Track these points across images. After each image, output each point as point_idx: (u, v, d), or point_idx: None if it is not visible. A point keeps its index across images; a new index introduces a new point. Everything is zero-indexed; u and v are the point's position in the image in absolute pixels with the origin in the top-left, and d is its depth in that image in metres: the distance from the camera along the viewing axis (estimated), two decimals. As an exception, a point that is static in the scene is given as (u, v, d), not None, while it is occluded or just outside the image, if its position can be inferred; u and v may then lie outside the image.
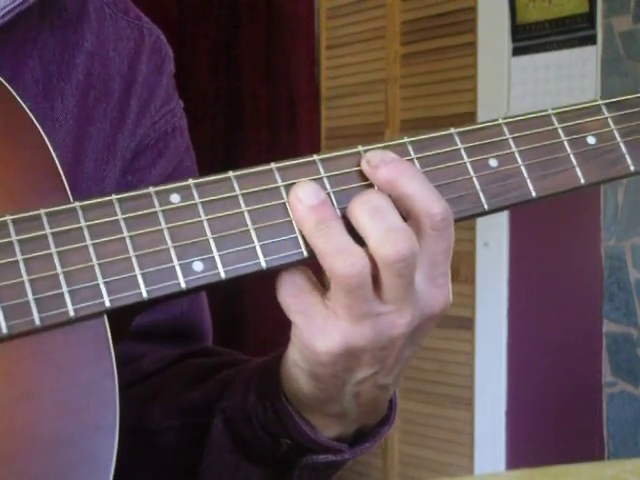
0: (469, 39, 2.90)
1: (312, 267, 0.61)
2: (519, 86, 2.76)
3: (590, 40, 2.58)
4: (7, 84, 0.61)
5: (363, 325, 0.59)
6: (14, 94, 0.61)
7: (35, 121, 0.61)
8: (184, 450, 0.72)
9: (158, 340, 0.81)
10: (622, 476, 0.50)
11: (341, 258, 0.57)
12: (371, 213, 0.59)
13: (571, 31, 2.63)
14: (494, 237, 2.79)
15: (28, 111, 0.61)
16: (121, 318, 0.58)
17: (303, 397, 0.64)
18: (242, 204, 0.60)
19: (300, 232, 0.60)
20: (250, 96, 3.60)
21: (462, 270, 2.88)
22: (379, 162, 0.61)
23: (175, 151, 0.81)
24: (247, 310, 3.54)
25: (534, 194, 0.65)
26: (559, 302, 2.72)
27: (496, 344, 2.82)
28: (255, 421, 0.67)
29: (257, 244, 0.59)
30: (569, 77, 2.64)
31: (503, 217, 2.75)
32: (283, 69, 3.52)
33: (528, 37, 2.73)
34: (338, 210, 0.60)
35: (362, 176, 0.62)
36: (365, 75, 3.26)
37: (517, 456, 2.80)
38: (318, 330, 0.59)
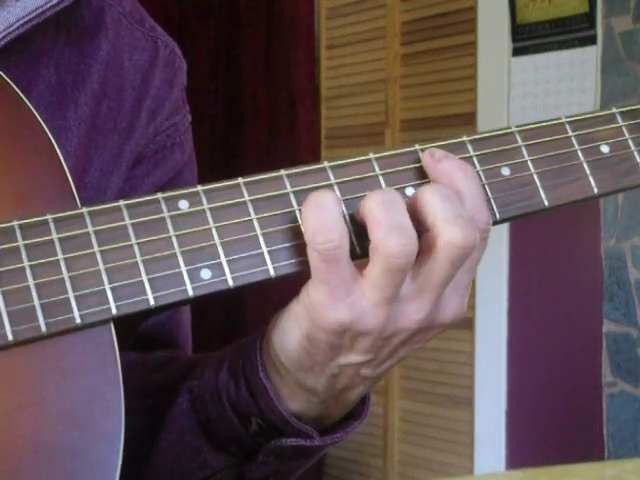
0: (469, 39, 2.90)
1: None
2: (519, 86, 2.76)
3: (590, 40, 2.58)
4: (17, 89, 0.61)
5: (381, 310, 0.59)
6: (25, 100, 0.61)
7: (45, 127, 0.60)
8: (140, 433, 0.71)
9: (130, 348, 0.79)
10: (622, 476, 0.50)
11: (396, 236, 0.57)
12: (443, 198, 0.59)
13: (571, 31, 2.63)
14: (494, 237, 2.78)
15: (37, 116, 0.61)
16: (126, 325, 0.58)
17: (285, 357, 0.63)
18: (251, 211, 0.59)
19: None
20: (250, 96, 3.60)
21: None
22: (442, 156, 0.62)
23: (172, 164, 0.81)
24: (247, 311, 3.54)
25: (546, 203, 0.64)
26: (559, 302, 2.72)
27: (496, 344, 2.82)
28: (225, 399, 0.66)
29: (265, 251, 0.59)
30: (569, 77, 2.64)
31: (503, 217, 2.75)
32: (283, 69, 3.52)
33: (528, 37, 2.73)
34: (347, 215, 0.60)
35: (370, 184, 0.62)
36: (365, 75, 3.25)
37: (517, 456, 2.80)
38: (336, 301, 0.58)
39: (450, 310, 0.62)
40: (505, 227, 2.78)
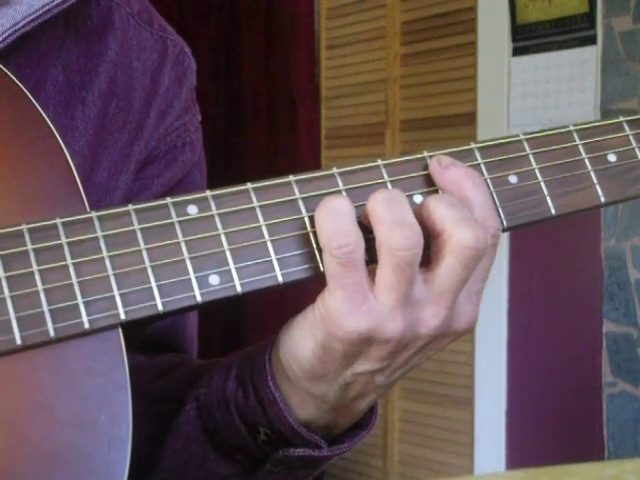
0: (469, 39, 2.90)
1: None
2: (519, 86, 2.76)
3: (590, 40, 2.58)
4: (27, 91, 0.61)
5: (398, 315, 0.59)
6: (33, 101, 0.61)
7: (53, 128, 0.60)
8: (145, 440, 0.69)
9: (136, 350, 0.78)
10: (622, 476, 0.50)
11: (399, 230, 0.57)
12: (449, 205, 0.59)
13: (571, 31, 2.63)
14: (494, 237, 2.78)
15: (46, 118, 0.61)
16: (133, 329, 0.58)
17: (297, 366, 0.62)
18: (260, 217, 0.59)
19: (317, 246, 0.59)
20: (250, 96, 3.60)
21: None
22: (450, 164, 0.62)
23: (182, 164, 0.81)
24: (247, 315, 3.54)
25: (554, 212, 0.65)
26: (559, 302, 2.72)
27: (496, 344, 2.82)
28: (233, 408, 0.66)
29: (274, 257, 0.59)
30: (569, 77, 2.64)
31: (503, 217, 2.75)
32: (283, 69, 3.52)
33: (528, 37, 2.73)
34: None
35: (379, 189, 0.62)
36: (365, 75, 3.25)
37: (517, 456, 2.80)
38: (354, 308, 0.58)
39: (464, 317, 0.62)
40: (505, 227, 2.78)
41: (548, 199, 0.65)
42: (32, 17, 0.68)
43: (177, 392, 0.70)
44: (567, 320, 2.70)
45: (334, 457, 0.67)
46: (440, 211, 0.59)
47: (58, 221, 0.56)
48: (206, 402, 0.68)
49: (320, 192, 0.61)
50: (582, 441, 2.65)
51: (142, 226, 0.57)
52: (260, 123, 3.57)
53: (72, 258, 0.55)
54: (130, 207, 0.58)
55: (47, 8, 0.68)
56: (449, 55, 2.97)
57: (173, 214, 0.58)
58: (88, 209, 0.58)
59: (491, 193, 0.64)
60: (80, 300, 0.55)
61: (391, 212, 0.58)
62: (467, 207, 0.60)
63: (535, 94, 2.72)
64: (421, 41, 3.06)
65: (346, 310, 0.58)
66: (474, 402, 2.89)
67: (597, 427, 2.57)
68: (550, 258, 2.75)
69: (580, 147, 0.67)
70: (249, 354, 0.67)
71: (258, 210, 0.59)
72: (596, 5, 2.55)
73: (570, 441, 2.67)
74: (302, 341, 0.61)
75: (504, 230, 0.64)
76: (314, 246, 0.59)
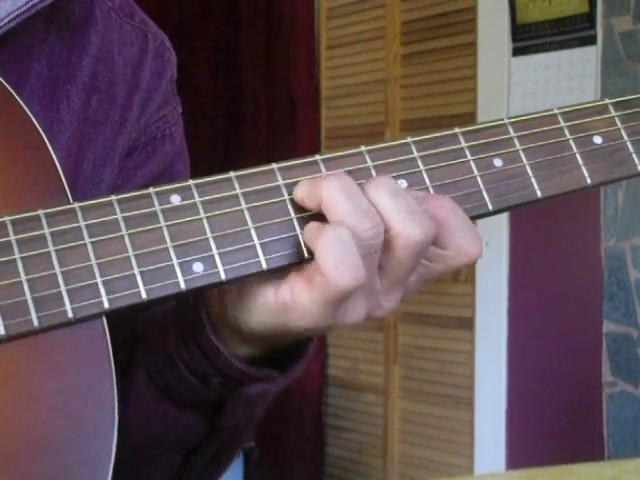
0: (469, 39, 2.90)
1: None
2: (519, 86, 2.76)
3: (590, 40, 2.58)
4: (7, 85, 0.61)
5: (361, 304, 0.60)
6: (15, 95, 0.61)
7: (35, 122, 0.61)
8: None
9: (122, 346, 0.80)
10: (622, 476, 0.50)
11: (367, 220, 0.58)
12: (392, 194, 0.59)
13: (571, 31, 2.63)
14: (494, 237, 2.79)
15: (28, 112, 0.61)
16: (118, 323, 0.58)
17: (251, 332, 0.63)
18: (242, 203, 0.59)
19: (301, 232, 0.59)
20: (250, 96, 3.60)
21: (462, 270, 2.87)
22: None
23: (163, 156, 0.81)
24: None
25: (539, 194, 0.64)
26: (559, 302, 2.72)
27: (496, 344, 2.82)
28: (180, 363, 0.67)
29: (257, 243, 0.59)
30: (569, 77, 2.64)
31: (503, 217, 2.75)
32: (283, 69, 3.52)
33: (528, 37, 2.73)
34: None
35: (361, 176, 0.62)
36: (365, 75, 3.25)
37: (517, 456, 2.80)
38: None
39: (411, 291, 0.63)
40: (505, 226, 2.78)
41: (533, 181, 0.64)
42: (17, 13, 0.68)
43: (124, 361, 0.71)
44: (567, 320, 2.70)
45: (289, 381, 0.68)
46: (384, 203, 0.59)
47: (41, 212, 0.56)
48: (153, 364, 0.69)
49: (303, 178, 0.61)
50: (582, 441, 2.65)
51: (125, 215, 0.57)
52: (260, 123, 3.57)
53: (55, 248, 0.55)
54: (113, 197, 0.58)
55: (31, 4, 0.68)
56: (449, 55, 2.97)
57: (156, 203, 0.58)
58: (72, 202, 0.58)
59: (476, 176, 0.63)
60: (63, 288, 0.55)
61: (351, 202, 0.58)
62: (405, 191, 0.60)
63: (535, 94, 2.72)
64: (421, 41, 3.06)
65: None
66: (474, 402, 2.89)
67: (597, 427, 2.57)
68: (550, 258, 2.75)
69: (565, 129, 0.66)
70: (182, 312, 0.67)
71: (241, 197, 0.59)
72: (596, 5, 2.55)
73: (570, 441, 2.67)
74: (263, 320, 0.61)
75: (491, 214, 0.64)
76: (298, 232, 0.59)
